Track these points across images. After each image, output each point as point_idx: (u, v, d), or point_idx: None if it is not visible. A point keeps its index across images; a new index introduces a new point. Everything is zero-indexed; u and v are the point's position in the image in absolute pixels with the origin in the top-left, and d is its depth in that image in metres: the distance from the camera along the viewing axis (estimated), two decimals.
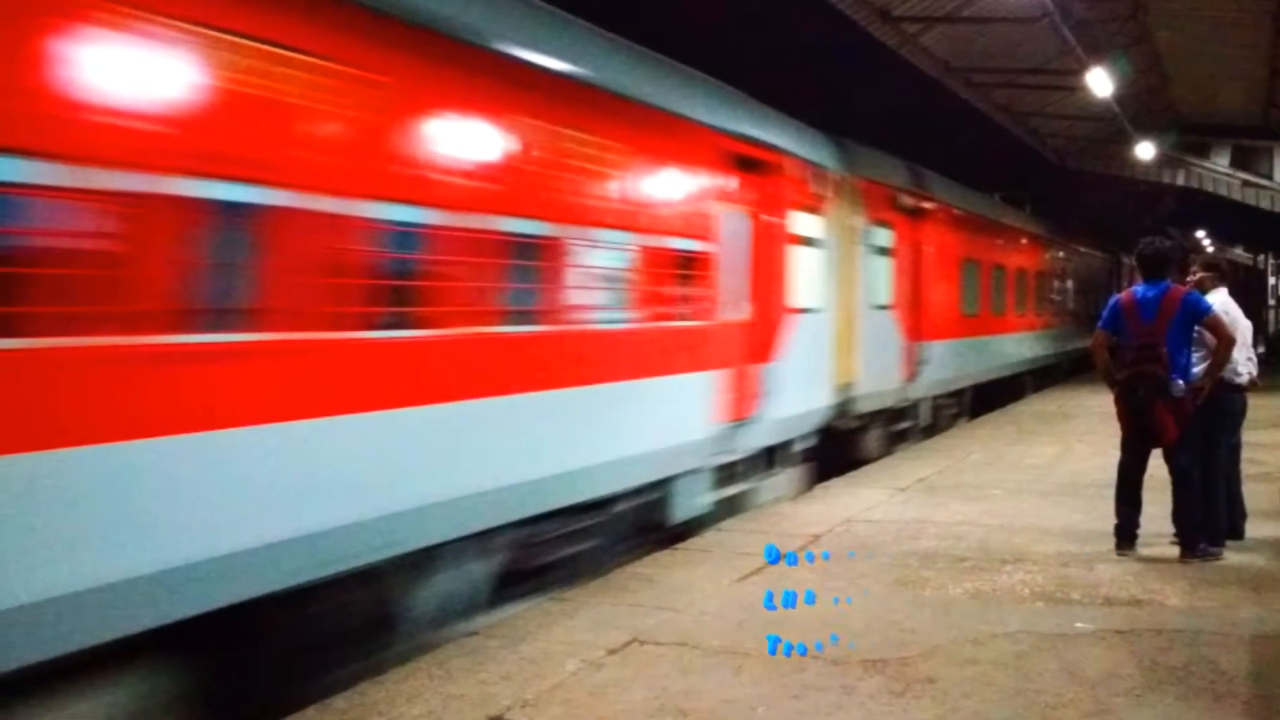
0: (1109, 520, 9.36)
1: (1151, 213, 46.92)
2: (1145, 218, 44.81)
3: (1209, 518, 9.13)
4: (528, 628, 7.12)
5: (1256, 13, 19.75)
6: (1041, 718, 5.64)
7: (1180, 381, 8.87)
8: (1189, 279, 9.86)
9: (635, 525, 9.45)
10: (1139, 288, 9.25)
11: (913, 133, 23.88)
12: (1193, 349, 9.07)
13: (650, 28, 11.67)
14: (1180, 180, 34.35)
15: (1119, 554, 9.11)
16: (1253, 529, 9.67)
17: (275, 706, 5.90)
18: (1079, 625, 7.18)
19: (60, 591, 4.74)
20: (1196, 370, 9.04)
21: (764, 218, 11.31)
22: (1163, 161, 33.40)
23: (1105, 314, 9.42)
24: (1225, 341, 8.98)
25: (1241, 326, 9.42)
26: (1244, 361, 9.35)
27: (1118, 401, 9.26)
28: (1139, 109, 28.91)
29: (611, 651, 6.64)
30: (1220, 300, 9.42)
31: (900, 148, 17.52)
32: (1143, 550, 9.14)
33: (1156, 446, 9.18)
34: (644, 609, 7.54)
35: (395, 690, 6.02)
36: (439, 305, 6.85)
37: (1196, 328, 9.02)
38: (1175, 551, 9.05)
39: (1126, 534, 9.21)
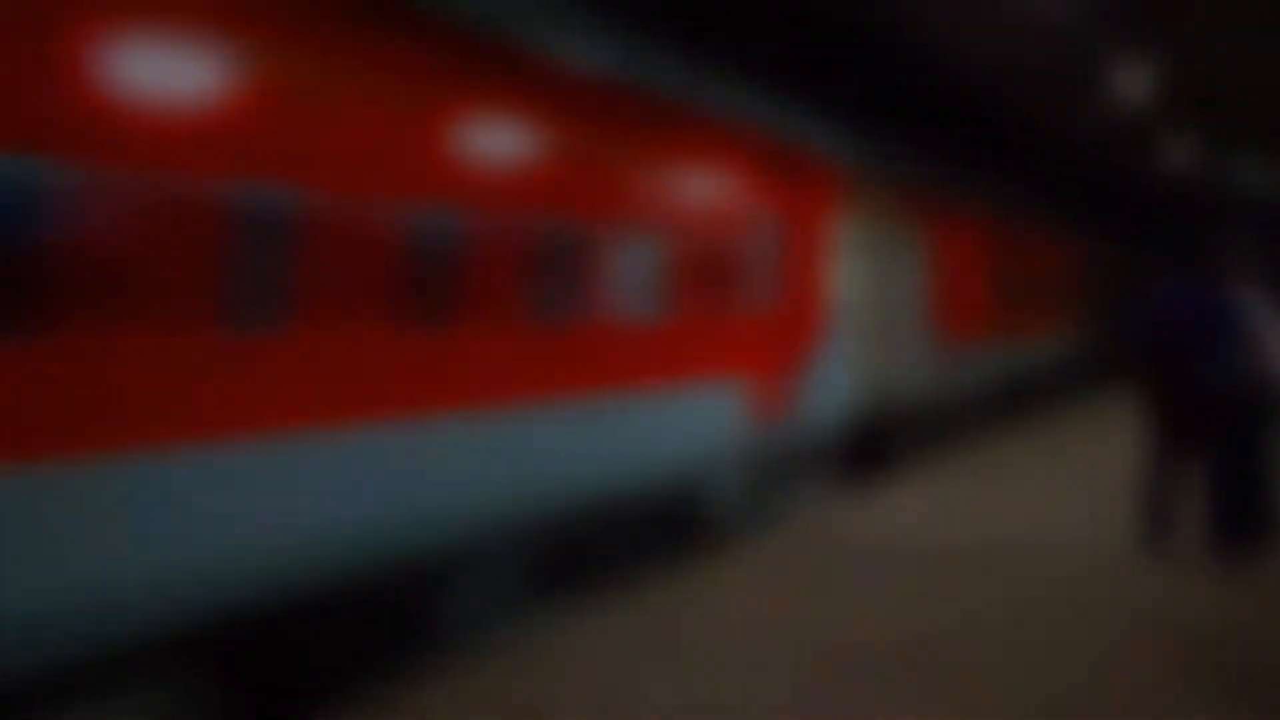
0: (1142, 522, 9.32)
1: (1183, 213, 46.68)
2: (1177, 218, 44.59)
3: (1243, 519, 9.08)
4: (559, 628, 7.15)
5: None
6: None
7: (1215, 382, 8.83)
8: (1223, 279, 9.79)
9: (668, 527, 9.47)
10: (1173, 288, 9.21)
11: (945, 134, 23.82)
12: (1227, 349, 9.02)
13: (679, 26, 11.67)
14: (1212, 180, 34.14)
15: (1152, 556, 9.08)
16: None
17: (307, 707, 5.94)
18: (1109, 628, 7.16)
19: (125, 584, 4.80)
20: (1232, 371, 9.00)
21: (798, 219, 11.31)
22: (1194, 162, 33.22)
23: (1140, 315, 9.38)
24: (1260, 342, 8.94)
25: (1277, 327, 9.37)
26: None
27: (1152, 402, 9.23)
28: (1171, 110, 28.77)
29: (643, 652, 6.66)
30: (1255, 301, 9.37)
31: (931, 149, 17.47)
32: (1176, 552, 9.10)
33: (1191, 447, 9.14)
34: (675, 610, 7.56)
35: (426, 690, 6.05)
36: (483, 309, 6.89)
37: (1231, 328, 8.98)
38: (1209, 554, 9.01)
39: (1160, 536, 9.18)
